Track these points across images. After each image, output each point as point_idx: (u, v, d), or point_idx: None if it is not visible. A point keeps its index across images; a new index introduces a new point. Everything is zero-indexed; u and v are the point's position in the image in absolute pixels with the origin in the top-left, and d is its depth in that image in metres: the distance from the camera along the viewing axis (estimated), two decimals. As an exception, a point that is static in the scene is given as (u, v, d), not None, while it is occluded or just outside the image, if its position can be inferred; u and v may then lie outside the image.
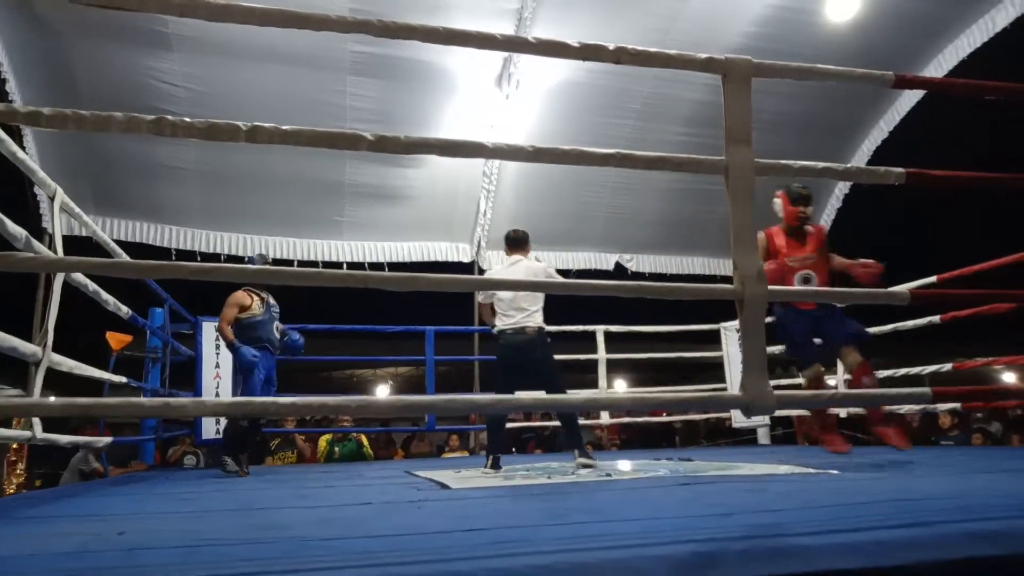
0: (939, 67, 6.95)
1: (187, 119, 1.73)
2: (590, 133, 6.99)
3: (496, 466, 4.14)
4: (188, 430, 6.33)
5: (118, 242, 5.34)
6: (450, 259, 7.94)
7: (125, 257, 4.35)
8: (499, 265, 4.79)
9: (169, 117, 1.72)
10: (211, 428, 6.21)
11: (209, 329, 6.28)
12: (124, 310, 4.39)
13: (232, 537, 1.86)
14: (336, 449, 6.98)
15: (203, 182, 6.91)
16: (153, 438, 6.04)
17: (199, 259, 7.02)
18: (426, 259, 7.87)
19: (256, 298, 4.61)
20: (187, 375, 6.36)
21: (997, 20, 6.45)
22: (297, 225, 7.45)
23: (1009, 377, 16.78)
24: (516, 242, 4.51)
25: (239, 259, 7.20)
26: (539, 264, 4.56)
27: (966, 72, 6.75)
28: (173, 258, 6.93)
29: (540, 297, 4.39)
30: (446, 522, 2.02)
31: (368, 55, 6.23)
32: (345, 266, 7.55)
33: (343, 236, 7.63)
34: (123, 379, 4.60)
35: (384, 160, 7.01)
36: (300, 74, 6.31)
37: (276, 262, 7.29)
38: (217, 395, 6.16)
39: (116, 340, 5.21)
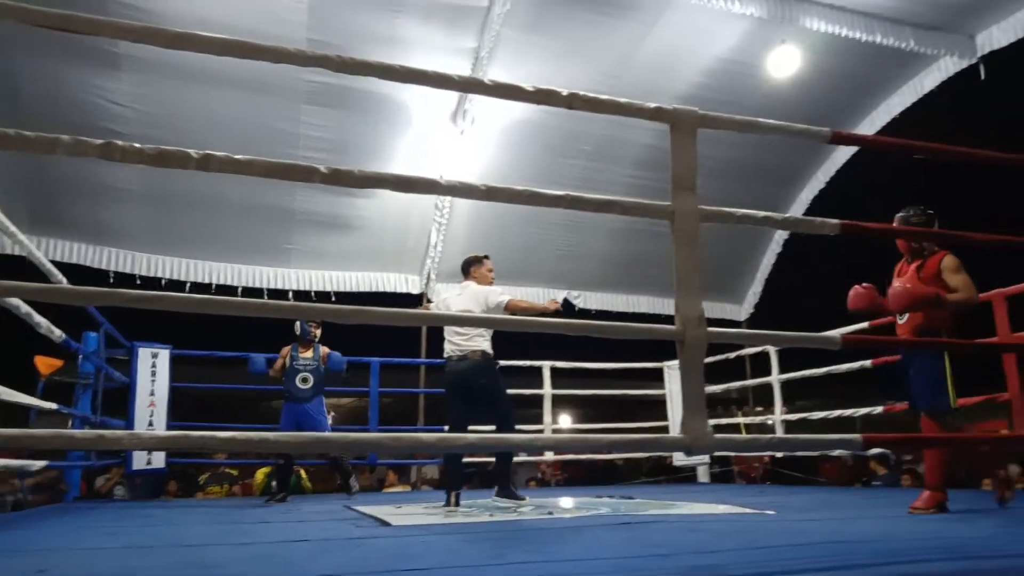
0: (873, 123, 7.33)
1: (137, 145, 1.70)
2: (542, 171, 7.10)
3: (457, 503, 4.02)
4: (118, 460, 6.08)
5: (54, 263, 5.15)
6: (399, 290, 7.89)
7: (63, 280, 4.20)
8: (447, 294, 4.76)
9: (118, 142, 1.69)
10: (142, 459, 5.98)
11: (145, 355, 6.08)
12: (57, 333, 4.23)
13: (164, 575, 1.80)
14: (273, 483, 6.77)
15: (146, 204, 6.74)
16: (80, 466, 5.77)
17: (139, 283, 6.82)
18: (375, 289, 7.80)
19: (291, 352, 5.39)
20: (120, 402, 6.12)
21: (925, 82, 6.86)
22: (244, 251, 7.31)
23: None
24: (463, 267, 4.56)
25: (181, 284, 7.02)
26: (483, 288, 4.40)
27: (897, 128, 7.13)
28: (111, 281, 6.72)
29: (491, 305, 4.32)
30: (386, 561, 1.99)
31: (323, 85, 6.23)
32: (292, 294, 7.43)
33: (291, 264, 7.52)
34: (52, 405, 4.41)
35: (335, 189, 6.97)
36: (254, 100, 6.27)
37: (220, 289, 7.14)
38: (151, 424, 5.94)
39: (45, 364, 4.99)
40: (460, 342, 4.28)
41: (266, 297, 7.18)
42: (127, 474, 6.14)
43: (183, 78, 6.01)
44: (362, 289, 7.72)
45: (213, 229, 7.06)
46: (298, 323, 5.42)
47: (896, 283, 3.57)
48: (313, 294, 7.50)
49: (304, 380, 5.36)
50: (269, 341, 7.03)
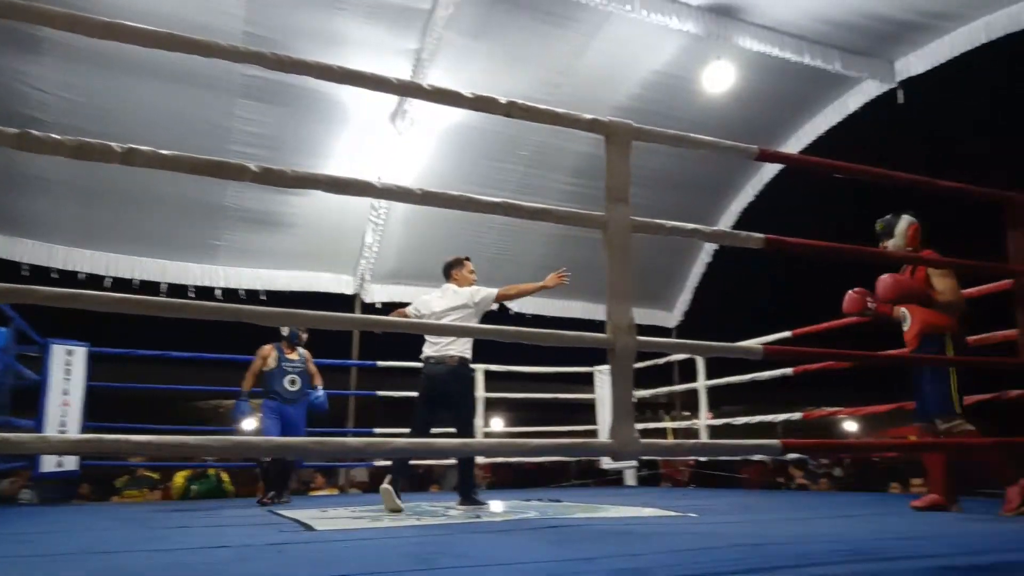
0: (800, 141, 7.63)
1: (55, 136, 1.64)
2: (481, 176, 7.11)
3: (396, 487, 3.98)
4: (25, 462, 5.78)
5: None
6: (332, 291, 7.76)
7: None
8: (431, 294, 4.62)
9: (35, 132, 1.62)
10: (52, 461, 5.70)
11: (59, 353, 5.81)
12: (-39, 328, 4.00)
13: (71, 584, 1.72)
14: (193, 487, 6.57)
15: (66, 194, 6.43)
16: (-17, 470, 5.47)
17: (56, 277, 6.49)
18: (307, 289, 7.65)
19: (275, 352, 5.29)
20: (30, 401, 5.82)
21: (849, 104, 7.19)
22: (168, 246, 7.05)
23: (851, 426, 18.22)
24: (444, 270, 4.60)
25: (100, 278, 6.73)
26: (468, 288, 4.44)
27: (824, 145, 7.44)
28: (25, 274, 6.37)
29: (474, 307, 4.35)
30: (307, 568, 1.96)
31: (259, 79, 6.08)
32: (219, 292, 7.22)
33: (218, 261, 7.29)
34: (-47, 404, 4.16)
35: (268, 186, 6.81)
36: (185, 92, 6.06)
37: (143, 284, 6.88)
38: (63, 425, 5.67)
39: (-52, 361, 4.72)
40: (438, 347, 4.28)
41: (192, 295, 6.96)
42: (35, 477, 5.84)
43: (111, 66, 5.77)
44: (294, 288, 7.56)
45: (137, 222, 6.78)
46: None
47: (850, 291, 3.58)
48: (242, 292, 7.29)
49: (292, 382, 5.31)
50: (194, 339, 6.83)
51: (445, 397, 4.26)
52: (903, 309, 3.55)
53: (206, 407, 15.91)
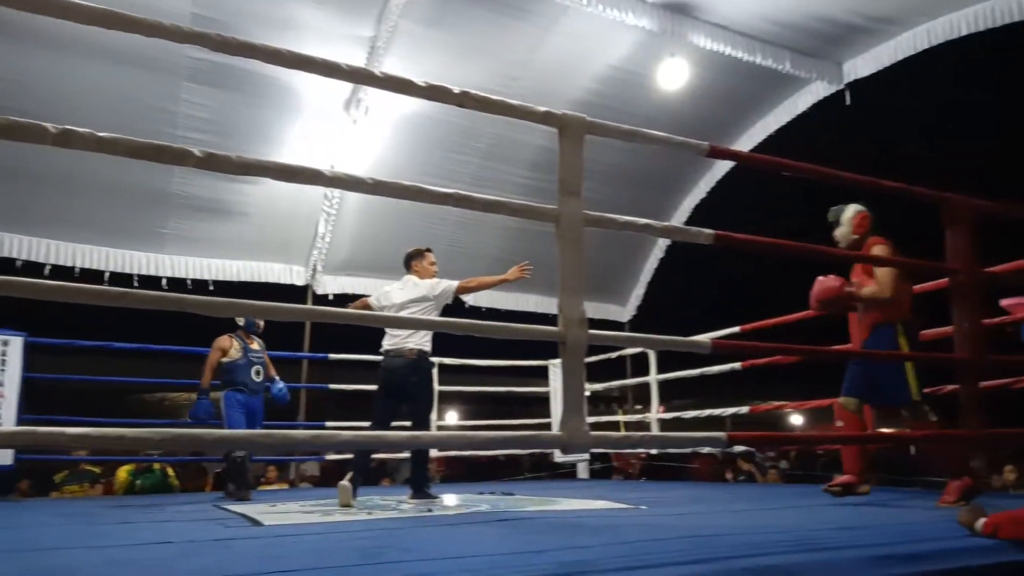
0: (752, 139, 7.76)
1: (-17, 115, 1.56)
2: (436, 167, 7.05)
3: (355, 484, 3.93)
4: (-43, 456, 5.54)
5: None
6: (283, 281, 7.61)
7: None
8: (394, 285, 4.59)
9: (-39, 110, 1.54)
10: (-12, 455, 5.48)
11: (-7, 343, 5.57)
12: None
13: (-1, 584, 1.65)
14: (138, 482, 6.40)
15: (2, 178, 6.17)
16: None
17: (-10, 263, 6.23)
18: (257, 280, 7.48)
19: (236, 342, 5.18)
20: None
21: (799, 104, 7.35)
22: (112, 234, 6.81)
23: (797, 419, 18.72)
24: (405, 262, 4.59)
25: (39, 265, 6.47)
26: (429, 280, 4.42)
27: (774, 144, 7.59)
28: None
29: (435, 300, 4.32)
30: (253, 564, 1.92)
31: (208, 63, 5.91)
32: (165, 282, 7.01)
33: (165, 249, 7.08)
34: None
35: (217, 173, 6.64)
36: (130, 74, 5.85)
37: (85, 273, 6.64)
38: (-1, 418, 5.45)
39: None
40: (397, 340, 4.24)
41: (136, 284, 6.75)
42: (-33, 472, 5.61)
43: (49, 44, 5.53)
44: (243, 279, 7.38)
45: (78, 208, 6.54)
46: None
47: (821, 278, 3.59)
48: (189, 283, 7.11)
49: (257, 372, 5.22)
50: (139, 330, 6.63)
51: (403, 390, 4.25)
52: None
53: (152, 399, 15.53)
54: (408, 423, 4.52)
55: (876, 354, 3.55)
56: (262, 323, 5.37)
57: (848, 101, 6.85)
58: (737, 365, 5.85)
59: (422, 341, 4.26)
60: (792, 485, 7.06)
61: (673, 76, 6.64)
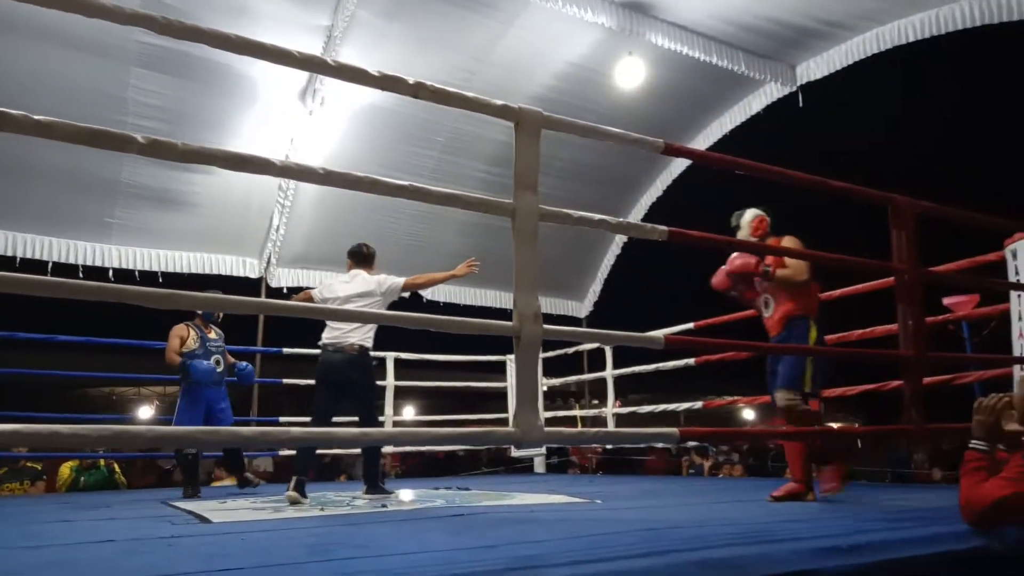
0: (707, 138, 7.87)
1: (-91, 93, 1.48)
2: (394, 160, 6.98)
3: (301, 491, 3.80)
4: None
5: None
6: (236, 274, 7.45)
7: None
8: (339, 279, 4.51)
9: None
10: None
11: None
12: None
13: (-75, 586, 1.58)
14: (83, 478, 6.20)
15: (-63, 163, 5.91)
16: None
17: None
18: (209, 272, 7.31)
19: (193, 332, 5.02)
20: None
21: (753, 105, 7.47)
22: (56, 223, 6.57)
23: (749, 414, 19.11)
24: (358, 255, 4.51)
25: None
26: (376, 275, 4.40)
27: (728, 144, 7.71)
28: None
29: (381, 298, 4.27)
30: (197, 562, 1.87)
31: (158, 48, 5.74)
32: (112, 272, 6.80)
33: (112, 240, 6.86)
34: None
35: (169, 162, 6.46)
36: (75, 58, 5.65)
37: (26, 263, 6.41)
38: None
39: None
40: (338, 334, 4.15)
41: (81, 275, 6.54)
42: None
43: (-8, 26, 5.32)
44: (195, 271, 7.20)
45: (19, 196, 6.28)
46: None
47: (738, 253, 3.65)
48: (137, 274, 6.90)
49: (217, 363, 5.02)
50: (84, 323, 6.42)
51: (345, 386, 4.17)
52: (767, 295, 3.69)
53: (99, 394, 15.09)
54: (354, 418, 4.45)
55: (795, 349, 3.55)
56: (220, 312, 5.21)
57: (801, 103, 6.99)
58: (691, 360, 5.94)
59: (364, 336, 4.17)
60: (747, 479, 7.20)
61: (631, 74, 6.68)
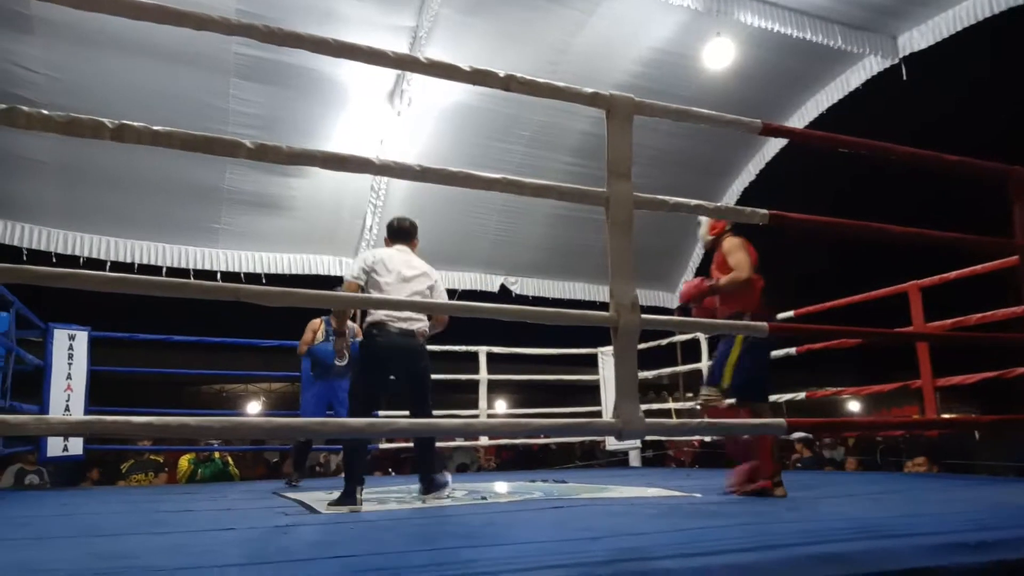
0: (802, 117, 7.54)
1: (45, 112, 1.60)
2: (480, 156, 7.04)
3: (351, 500, 3.32)
4: (31, 446, 5.80)
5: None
6: (332, 273, 7.72)
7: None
8: (389, 251, 3.86)
9: (24, 108, 1.58)
10: (58, 445, 5.71)
11: (61, 337, 5.79)
12: (-40, 313, 3.97)
13: (70, 567, 1.71)
14: (199, 470, 6.59)
15: (62, 177, 6.38)
16: (-13, 455, 5.48)
17: (55, 260, 6.46)
18: (307, 272, 7.61)
19: (324, 326, 5.08)
20: (34, 386, 5.82)
21: (851, 80, 7.10)
22: (168, 230, 7.01)
23: (854, 405, 18.27)
24: (402, 233, 3.92)
25: (100, 262, 6.70)
26: (432, 269, 3.92)
27: (825, 123, 7.38)
28: (24, 258, 6.34)
29: (442, 290, 3.89)
30: (312, 550, 1.95)
31: (254, 59, 6.01)
32: (219, 275, 7.18)
33: (218, 244, 7.26)
34: (-45, 390, 4.15)
35: (267, 168, 6.75)
36: (180, 72, 5.99)
37: (143, 268, 6.85)
38: (67, 410, 5.67)
39: (-51, 346, 4.71)
40: (407, 315, 3.66)
41: (192, 278, 6.93)
42: (41, 462, 5.85)
43: (103, 46, 5.70)
44: (294, 271, 7.51)
45: (136, 206, 6.74)
46: None
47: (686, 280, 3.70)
48: (242, 276, 7.26)
49: (341, 356, 5.16)
50: (197, 324, 6.81)
51: (407, 374, 3.70)
52: (717, 302, 3.74)
53: (209, 391, 15.97)
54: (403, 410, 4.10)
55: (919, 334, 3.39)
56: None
57: (905, 76, 6.59)
58: (792, 350, 5.71)
59: (426, 323, 3.78)
60: (844, 473, 6.89)
61: (719, 56, 6.49)
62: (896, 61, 6.58)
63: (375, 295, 3.56)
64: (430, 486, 3.64)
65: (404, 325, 3.66)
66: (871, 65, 6.86)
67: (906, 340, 3.31)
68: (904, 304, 4.78)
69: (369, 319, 3.69)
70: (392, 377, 3.71)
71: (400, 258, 3.76)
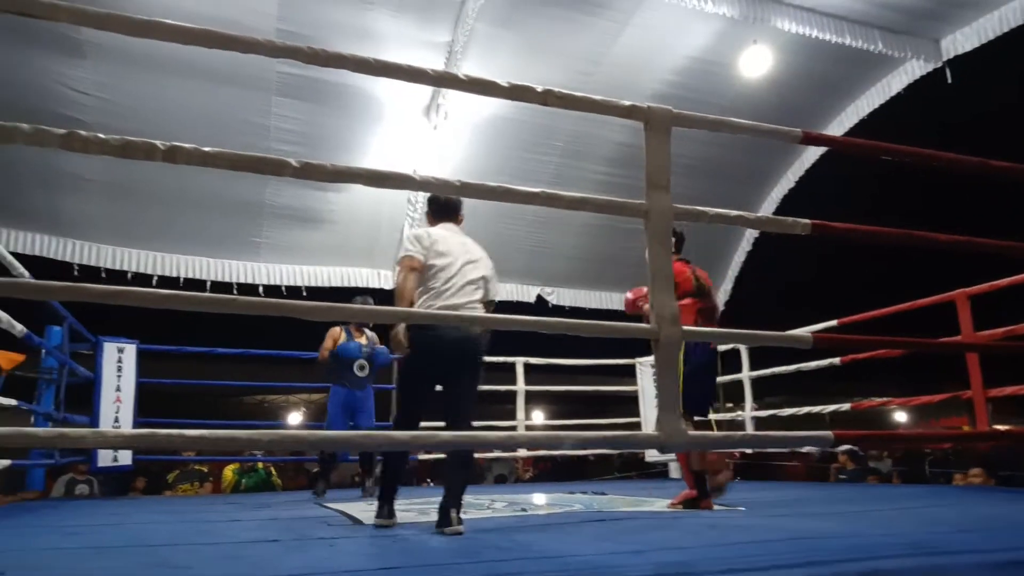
0: (841, 124, 7.43)
1: (101, 135, 1.66)
2: (515, 168, 7.09)
3: (387, 513, 2.97)
4: (82, 457, 5.96)
5: (15, 255, 5.02)
6: (372, 285, 7.82)
7: (25, 273, 4.10)
8: (439, 231, 3.31)
9: (81, 132, 1.65)
10: (108, 456, 5.86)
11: (111, 350, 5.96)
12: (18, 328, 4.12)
13: (126, 576, 1.76)
14: (243, 480, 6.70)
15: (110, 195, 6.59)
16: (43, 464, 5.64)
17: (104, 276, 6.67)
18: (346, 284, 7.72)
19: (344, 336, 5.17)
20: (84, 398, 5.99)
21: (893, 84, 6.98)
22: (212, 245, 7.18)
23: (901, 416, 17.81)
24: (449, 208, 3.38)
25: (148, 277, 6.89)
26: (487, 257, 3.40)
27: (865, 130, 7.25)
28: (76, 274, 6.55)
29: (494, 276, 3.35)
30: (358, 560, 1.97)
31: (295, 77, 6.15)
32: (261, 288, 7.33)
33: (260, 258, 7.41)
34: (12, 402, 4.30)
35: (306, 183, 6.88)
36: (222, 91, 6.16)
37: (188, 282, 7.02)
38: (117, 421, 5.82)
39: (6, 359, 4.86)
40: (461, 303, 3.11)
41: (235, 292, 7.08)
42: (92, 472, 6.01)
43: (150, 67, 5.88)
44: (334, 284, 7.64)
45: (180, 222, 6.93)
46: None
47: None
48: (284, 289, 7.40)
49: (361, 367, 5.16)
50: (236, 332, 6.94)
51: (459, 372, 3.08)
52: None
53: (251, 402, 16.21)
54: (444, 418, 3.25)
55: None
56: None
57: (950, 79, 6.45)
58: (836, 360, 5.60)
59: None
60: (891, 486, 6.72)
61: (756, 63, 6.44)
62: (940, 64, 6.45)
63: (429, 289, 3.12)
64: (448, 520, 2.68)
65: (467, 311, 3.12)
66: (913, 69, 6.74)
67: (955, 350, 3.22)
68: (952, 313, 4.66)
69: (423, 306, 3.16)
70: (438, 387, 3.18)
71: (454, 240, 3.27)
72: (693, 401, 3.60)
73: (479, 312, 3.16)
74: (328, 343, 5.21)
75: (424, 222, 3.51)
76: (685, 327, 2.05)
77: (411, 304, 3.09)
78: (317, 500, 4.71)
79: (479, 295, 3.18)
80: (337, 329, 5.28)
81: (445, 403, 3.16)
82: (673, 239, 3.90)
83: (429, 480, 8.96)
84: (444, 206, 3.37)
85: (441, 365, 3.07)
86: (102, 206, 6.66)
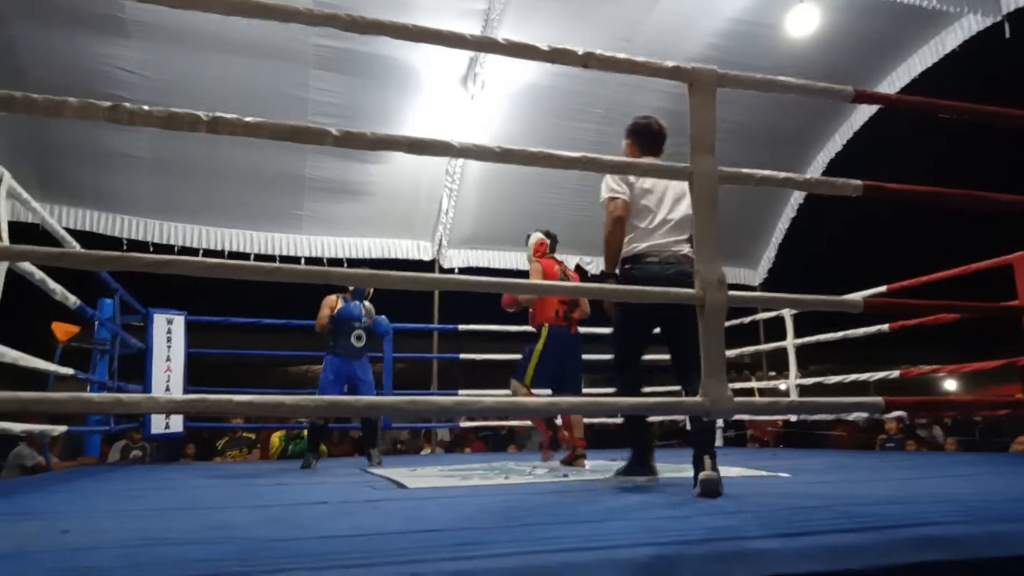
0: (892, 84, 7.16)
1: (145, 107, 1.68)
2: (553, 136, 7.01)
3: (648, 468, 3.05)
4: (136, 424, 6.18)
5: (67, 230, 5.17)
6: (411, 257, 7.88)
7: (76, 247, 4.21)
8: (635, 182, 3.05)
9: (127, 105, 1.67)
10: (160, 423, 6.06)
11: (161, 321, 6.13)
12: (72, 300, 4.25)
13: (181, 537, 1.82)
14: (290, 447, 6.87)
15: (156, 171, 6.73)
16: (99, 431, 5.86)
17: (152, 250, 6.83)
18: (386, 256, 7.80)
19: (341, 303, 5.14)
20: (136, 368, 6.19)
21: (947, 42, 6.68)
22: (255, 218, 7.31)
23: (951, 384, 17.42)
24: (652, 136, 3.15)
25: (193, 251, 7.04)
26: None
27: (916, 90, 6.97)
28: (124, 248, 6.73)
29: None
30: (403, 523, 2.00)
31: (332, 49, 6.15)
32: (303, 261, 7.44)
33: (302, 230, 7.51)
34: (70, 371, 4.46)
35: (346, 155, 6.93)
36: (261, 65, 6.20)
37: (232, 255, 7.16)
38: (168, 389, 6.00)
39: (62, 331, 5.04)
40: (670, 242, 2.93)
41: (278, 264, 7.20)
42: (145, 439, 6.23)
43: (191, 44, 5.95)
44: (375, 255, 7.73)
45: (224, 196, 7.05)
46: None
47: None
48: (325, 260, 7.50)
49: (358, 338, 5.12)
50: (280, 304, 7.07)
51: (679, 320, 2.72)
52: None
53: (296, 371, 16.56)
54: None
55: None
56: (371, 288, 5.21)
57: (1008, 34, 6.15)
58: (885, 327, 5.47)
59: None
60: (941, 453, 6.59)
61: (803, 23, 6.23)
62: (998, 19, 6.14)
63: (635, 227, 2.97)
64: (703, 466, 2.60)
65: (680, 256, 2.91)
66: (970, 24, 6.44)
67: (1014, 314, 3.10)
68: (996, 281, 4.51)
69: (626, 252, 3.04)
70: (656, 329, 2.96)
71: (660, 189, 2.99)
72: (542, 377, 4.49)
73: (691, 249, 2.74)
74: (325, 311, 5.11)
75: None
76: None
77: (616, 256, 3.02)
78: (360, 467, 4.80)
79: (688, 233, 2.86)
80: (333, 297, 5.18)
81: (672, 352, 2.98)
82: (548, 240, 4.71)
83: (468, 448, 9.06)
84: (647, 132, 3.08)
85: (654, 314, 2.86)
86: (148, 182, 6.80)
